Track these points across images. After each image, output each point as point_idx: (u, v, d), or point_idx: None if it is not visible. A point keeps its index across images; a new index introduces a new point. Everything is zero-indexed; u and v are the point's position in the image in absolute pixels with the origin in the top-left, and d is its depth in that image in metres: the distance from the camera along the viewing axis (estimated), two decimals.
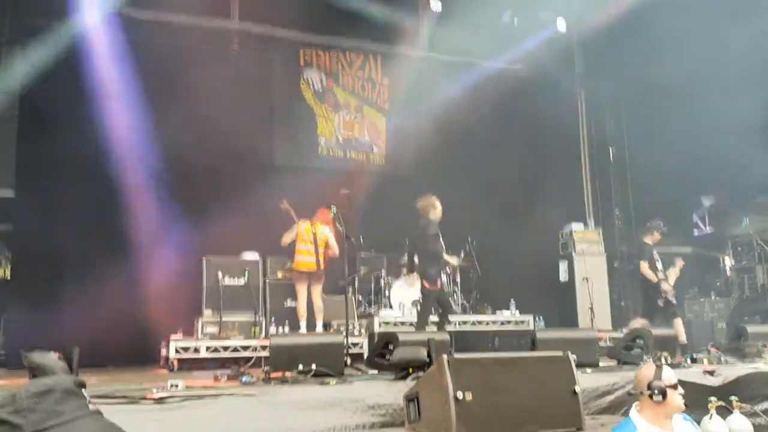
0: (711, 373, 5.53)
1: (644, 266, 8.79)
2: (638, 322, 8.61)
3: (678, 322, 8.68)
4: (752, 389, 5.52)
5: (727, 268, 8.76)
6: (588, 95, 13.93)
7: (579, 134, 13.95)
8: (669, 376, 3.54)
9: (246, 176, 10.21)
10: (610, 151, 13.60)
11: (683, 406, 3.51)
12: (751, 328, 6.96)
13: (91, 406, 1.28)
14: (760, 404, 5.42)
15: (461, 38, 12.12)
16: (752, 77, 10.48)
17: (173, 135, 9.68)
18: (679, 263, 8.84)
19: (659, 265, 8.83)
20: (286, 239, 8.66)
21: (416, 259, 8.47)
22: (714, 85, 10.79)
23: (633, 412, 3.53)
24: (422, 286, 7.98)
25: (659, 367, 3.59)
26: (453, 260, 8.20)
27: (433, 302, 7.96)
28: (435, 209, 8.10)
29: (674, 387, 3.51)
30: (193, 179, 9.85)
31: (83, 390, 1.29)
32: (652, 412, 3.46)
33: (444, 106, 11.66)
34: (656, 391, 3.46)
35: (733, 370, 5.65)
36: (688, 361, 6.04)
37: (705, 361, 5.95)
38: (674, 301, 8.66)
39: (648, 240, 8.96)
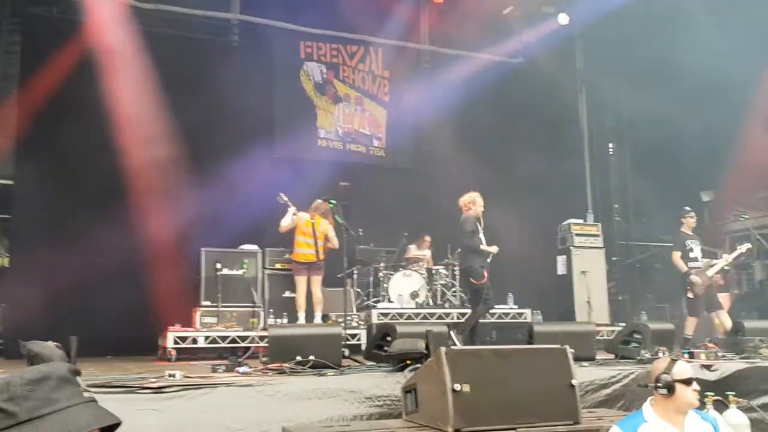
0: (708, 367, 5.54)
1: (675, 256, 8.71)
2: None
3: (691, 320, 8.64)
4: (749, 384, 5.52)
5: (698, 258, 8.64)
6: (589, 90, 13.91)
7: (579, 129, 13.94)
8: (681, 370, 3.46)
9: (246, 168, 10.18)
10: (610, 146, 13.59)
11: (695, 403, 3.41)
12: (748, 324, 6.95)
13: (86, 394, 1.27)
14: (757, 399, 5.43)
15: (462, 31, 12.10)
16: (754, 68, 10.45)
17: (174, 126, 9.66)
18: (723, 259, 8.64)
19: (694, 254, 8.70)
20: (284, 226, 8.72)
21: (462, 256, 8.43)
22: (716, 79, 10.78)
23: (646, 405, 3.49)
24: (470, 282, 8.11)
25: (673, 361, 3.54)
26: (492, 249, 8.18)
27: (482, 297, 8.05)
28: (476, 204, 8.25)
29: (686, 382, 3.41)
30: (192, 171, 9.83)
31: (78, 378, 1.28)
32: (663, 406, 3.42)
33: (444, 99, 11.64)
34: (662, 384, 3.44)
35: (730, 365, 5.66)
36: (686, 356, 6.04)
37: (702, 356, 5.94)
38: (696, 293, 8.48)
39: (684, 229, 8.86)
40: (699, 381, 5.21)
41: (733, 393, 4.82)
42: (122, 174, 9.38)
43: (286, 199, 8.70)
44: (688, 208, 9.04)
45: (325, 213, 8.65)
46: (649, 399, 3.52)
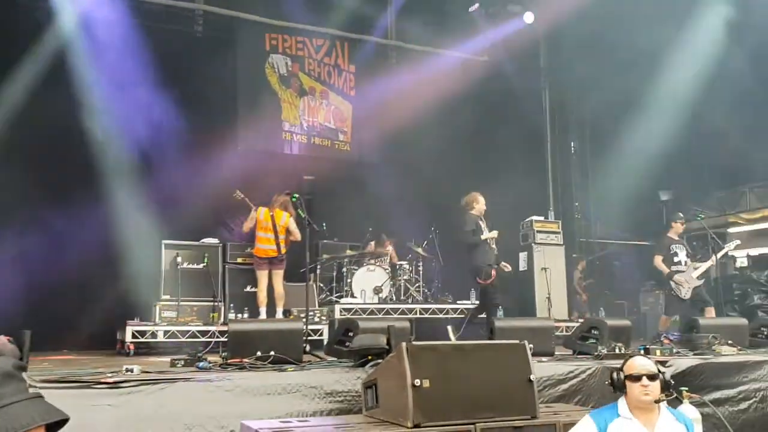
0: (663, 363, 5.65)
1: (657, 259, 8.99)
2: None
3: (665, 318, 8.93)
4: (702, 380, 5.67)
5: (682, 262, 8.89)
6: (552, 89, 14.06)
7: (543, 127, 14.08)
8: (630, 366, 3.51)
9: (209, 160, 10.08)
10: (572, 145, 13.77)
11: (643, 399, 3.42)
12: (702, 321, 7.13)
13: (32, 390, 1.24)
14: (709, 394, 5.58)
15: (428, 27, 12.13)
16: (714, 72, 10.69)
17: (134, 118, 9.51)
18: (710, 261, 8.88)
19: (678, 258, 8.90)
20: (247, 226, 8.75)
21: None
22: (674, 79, 11.03)
23: (621, 399, 3.55)
24: (477, 282, 8.40)
25: (629, 358, 3.59)
26: (492, 234, 8.39)
27: (489, 297, 8.23)
28: (478, 203, 8.50)
29: (634, 379, 3.45)
30: (153, 162, 9.69)
31: (24, 373, 1.25)
32: (629, 402, 3.48)
33: (410, 95, 11.65)
34: (611, 382, 3.51)
35: (684, 361, 5.79)
36: (642, 351, 6.15)
37: (658, 352, 6.07)
38: (681, 295, 8.74)
39: (670, 233, 9.09)
40: (652, 377, 5.36)
41: (687, 388, 4.93)
42: (80, 165, 9.19)
43: (242, 196, 8.62)
44: (680, 214, 9.27)
45: (285, 205, 8.58)
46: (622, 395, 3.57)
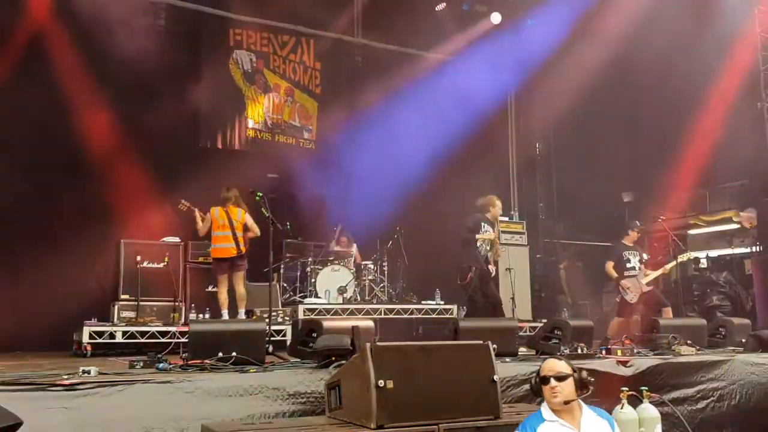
0: (624, 363, 5.76)
1: (608, 265, 9.22)
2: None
3: (617, 320, 9.15)
4: (661, 380, 5.79)
5: (636, 267, 9.11)
6: (517, 89, 14.20)
7: (507, 127, 14.23)
8: (542, 369, 3.59)
9: (169, 158, 9.96)
10: (537, 146, 13.94)
11: (553, 401, 3.51)
12: (662, 321, 7.26)
13: None
14: (668, 394, 5.70)
15: (396, 27, 12.15)
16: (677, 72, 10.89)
17: (93, 112, 9.34)
18: (661, 269, 9.08)
19: (631, 264, 9.09)
20: (203, 229, 8.44)
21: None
22: (639, 81, 11.23)
23: (543, 404, 3.62)
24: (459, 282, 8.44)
25: (544, 360, 3.67)
26: (487, 236, 8.45)
27: (468, 297, 8.41)
28: (494, 207, 8.55)
29: (544, 381, 3.54)
30: (112, 159, 9.53)
31: None
32: (546, 403, 3.57)
33: (376, 93, 11.67)
34: (530, 386, 3.59)
35: (644, 361, 5.90)
36: (603, 352, 6.26)
37: (619, 352, 6.18)
38: (628, 299, 8.94)
39: (625, 240, 9.27)
40: (615, 377, 5.47)
41: (647, 388, 5.03)
42: (37, 157, 9.00)
43: (188, 204, 8.36)
44: (637, 222, 9.45)
45: (237, 201, 8.44)
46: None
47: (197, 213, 8.33)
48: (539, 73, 12.83)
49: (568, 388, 3.52)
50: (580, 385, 3.57)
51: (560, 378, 3.52)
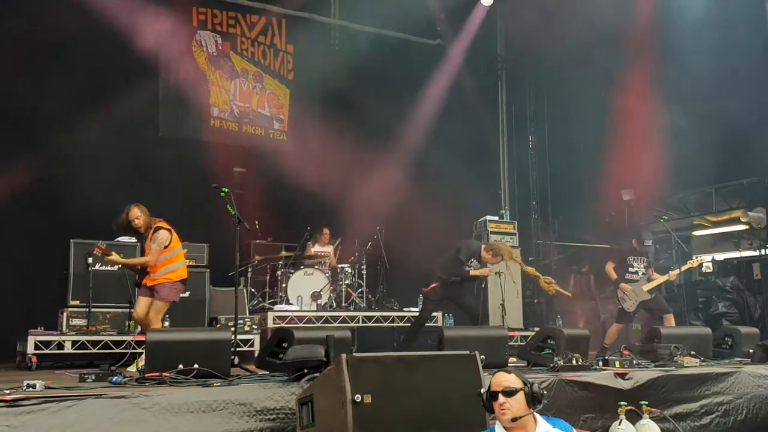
0: (622, 376, 5.81)
1: (608, 265, 9.27)
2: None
3: (615, 327, 9.26)
4: (663, 393, 5.85)
5: (639, 272, 9.18)
6: (509, 77, 14.28)
7: (498, 119, 14.29)
8: (492, 383, 3.63)
9: (126, 148, 9.88)
10: (530, 139, 14.00)
11: (501, 417, 3.55)
12: (664, 330, 7.33)
13: None
14: (671, 409, 5.77)
15: (377, 7, 12.15)
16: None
17: (41, 98, 9.25)
18: (667, 275, 9.15)
19: (634, 269, 9.15)
20: (153, 257, 7.10)
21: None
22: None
23: (496, 420, 3.66)
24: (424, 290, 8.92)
25: (494, 373, 3.71)
26: (483, 271, 8.96)
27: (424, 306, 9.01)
28: (495, 257, 8.73)
29: (492, 397, 3.58)
30: (62, 149, 9.44)
31: None
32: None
33: (355, 80, 11.67)
34: (480, 400, 3.64)
35: (644, 373, 5.96)
36: (600, 363, 6.31)
37: (617, 363, 6.23)
38: (625, 307, 9.02)
39: (634, 243, 9.32)
40: (612, 390, 5.53)
41: (647, 402, 5.09)
42: None
43: (102, 249, 7.25)
44: (650, 234, 9.52)
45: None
46: None
47: (115, 256, 7.26)
48: (533, 58, 12.90)
49: (517, 403, 3.55)
50: (532, 399, 3.60)
51: (508, 393, 3.56)
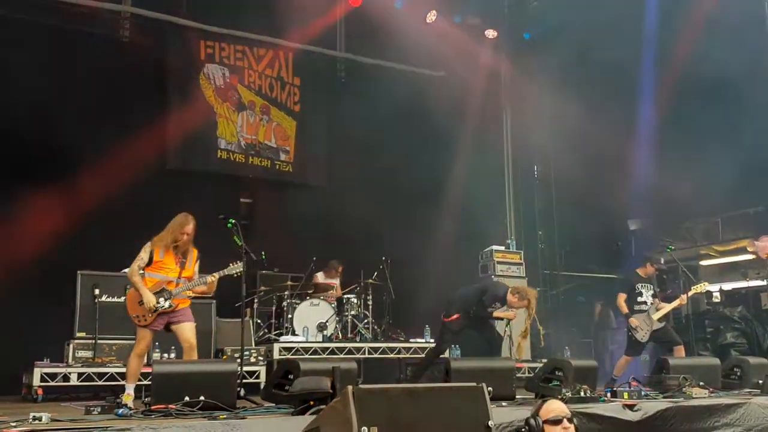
0: (631, 407, 5.77)
1: (619, 299, 9.24)
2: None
3: (625, 359, 9.25)
4: (672, 425, 5.80)
5: (647, 302, 9.14)
6: (514, 109, 14.36)
7: (503, 149, 14.34)
8: (549, 410, 3.70)
9: (133, 180, 9.94)
10: (535, 168, 14.02)
11: None
12: (672, 361, 7.29)
13: None
14: None
15: (381, 39, 12.28)
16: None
17: (50, 129, 9.33)
18: (675, 302, 9.12)
19: (643, 299, 9.12)
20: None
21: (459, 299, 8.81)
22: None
23: None
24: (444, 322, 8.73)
25: (543, 401, 3.74)
26: (508, 314, 8.81)
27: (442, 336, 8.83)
28: (521, 301, 8.40)
29: (555, 422, 3.64)
30: (69, 180, 9.50)
31: None
32: None
33: (361, 112, 11.75)
34: (526, 428, 3.62)
35: (653, 404, 5.91)
36: (608, 394, 6.27)
37: (625, 395, 6.19)
38: (638, 338, 8.97)
39: (640, 271, 9.30)
40: (621, 422, 5.48)
41: None
42: None
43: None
44: (661, 260, 9.51)
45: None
46: None
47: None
48: (538, 89, 12.99)
49: (573, 430, 3.71)
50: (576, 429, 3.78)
51: (570, 420, 3.70)
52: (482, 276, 11.40)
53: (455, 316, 8.56)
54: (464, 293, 8.83)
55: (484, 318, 8.67)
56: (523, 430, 3.72)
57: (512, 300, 8.41)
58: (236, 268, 6.67)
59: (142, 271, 6.45)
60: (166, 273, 6.46)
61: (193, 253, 6.71)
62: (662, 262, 9.39)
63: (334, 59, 12.72)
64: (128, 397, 6.01)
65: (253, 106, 12.04)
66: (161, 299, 6.31)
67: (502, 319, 8.96)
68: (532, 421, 3.69)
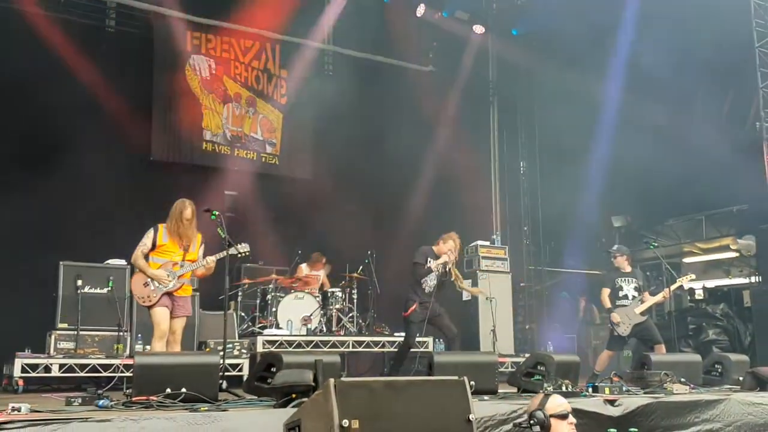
0: (612, 402, 5.79)
1: (603, 293, 9.23)
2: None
3: (606, 353, 9.20)
4: (652, 420, 5.83)
5: (629, 296, 9.15)
6: (500, 104, 14.39)
7: (490, 144, 14.37)
8: (555, 405, 3.71)
9: (117, 171, 9.89)
10: (521, 164, 14.07)
11: None
12: (654, 357, 7.32)
13: None
14: None
15: (370, 33, 12.27)
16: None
17: (33, 119, 9.26)
18: (659, 296, 9.14)
19: (623, 293, 9.14)
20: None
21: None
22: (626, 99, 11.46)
23: None
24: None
25: (546, 396, 3.74)
26: (439, 260, 8.50)
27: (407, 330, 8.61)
28: (445, 244, 8.52)
29: (561, 417, 3.66)
30: (52, 171, 9.43)
31: None
32: None
33: (348, 105, 11.74)
34: (535, 421, 3.62)
35: (634, 399, 5.94)
36: (590, 389, 6.29)
37: (606, 390, 6.21)
38: (619, 333, 8.98)
39: (616, 266, 9.31)
40: (601, 417, 5.51)
41: (636, 429, 5.07)
42: None
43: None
44: (621, 247, 9.51)
45: None
46: None
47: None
48: (525, 84, 13.04)
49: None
50: None
51: (574, 415, 3.74)
52: (468, 271, 11.40)
53: (412, 308, 8.51)
54: (411, 280, 8.74)
55: (438, 304, 8.58)
56: (529, 423, 3.71)
57: (439, 248, 8.57)
58: (242, 248, 6.80)
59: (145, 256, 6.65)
60: (170, 257, 6.64)
61: (197, 238, 6.86)
62: (625, 249, 9.37)
63: (321, 52, 12.68)
64: None
65: (239, 98, 11.99)
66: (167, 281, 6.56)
67: (440, 268, 8.81)
68: (539, 414, 3.69)
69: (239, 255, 6.86)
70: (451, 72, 13.21)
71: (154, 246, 6.65)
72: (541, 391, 3.97)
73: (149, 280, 6.53)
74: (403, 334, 10.05)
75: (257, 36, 12.11)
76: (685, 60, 10.81)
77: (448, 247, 8.56)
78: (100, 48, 10.26)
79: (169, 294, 6.59)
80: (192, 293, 8.50)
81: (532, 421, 3.68)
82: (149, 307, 6.59)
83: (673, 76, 10.92)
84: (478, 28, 13.29)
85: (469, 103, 13.57)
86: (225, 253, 6.75)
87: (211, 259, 6.74)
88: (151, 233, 6.69)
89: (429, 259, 8.55)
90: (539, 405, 3.70)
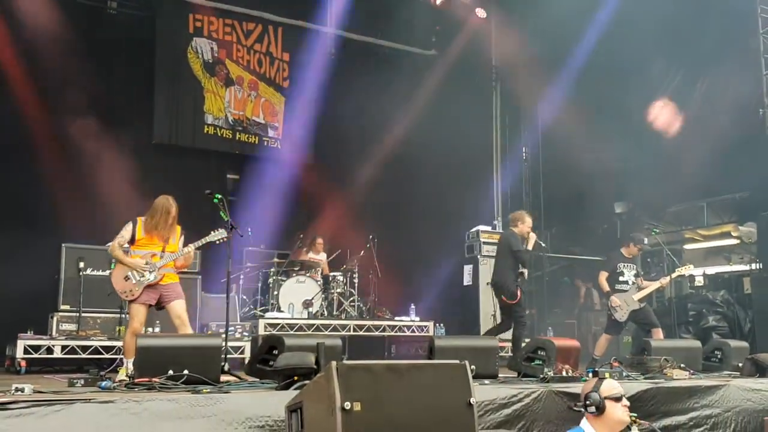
0: None
1: (601, 276, 9.25)
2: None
3: (605, 337, 9.22)
4: (652, 405, 5.86)
5: (628, 282, 9.16)
6: (503, 89, 14.33)
7: (492, 129, 14.33)
8: (610, 387, 3.81)
9: (119, 154, 9.88)
10: (523, 150, 14.03)
11: (626, 420, 3.77)
12: (654, 343, 7.34)
13: None
14: (659, 421, 5.77)
15: (372, 16, 12.21)
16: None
17: (36, 101, 9.24)
18: (656, 283, 9.15)
19: (624, 278, 9.16)
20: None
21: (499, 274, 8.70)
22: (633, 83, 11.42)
23: (584, 422, 3.82)
24: (502, 300, 8.57)
25: (600, 379, 3.79)
26: (532, 242, 8.68)
27: (516, 316, 8.53)
28: (524, 223, 8.66)
29: (616, 399, 3.75)
30: (55, 155, 9.44)
31: None
32: (596, 424, 3.76)
33: (350, 89, 11.70)
34: (590, 403, 3.67)
35: (633, 385, 5.96)
36: (589, 374, 6.31)
37: (607, 375, 6.23)
38: (617, 318, 8.99)
39: (623, 251, 9.30)
40: None
41: (636, 414, 5.09)
42: None
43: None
44: (641, 237, 9.50)
45: None
46: (584, 419, 3.86)
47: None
48: (528, 70, 12.97)
49: None
50: None
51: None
52: (469, 256, 11.40)
53: (519, 295, 8.50)
54: (502, 268, 8.68)
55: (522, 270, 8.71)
56: (585, 404, 3.80)
57: (521, 228, 8.68)
58: (217, 235, 6.73)
59: (126, 246, 6.53)
60: (150, 249, 6.51)
61: (177, 230, 6.74)
62: (645, 242, 9.37)
63: (324, 35, 12.63)
64: (124, 370, 6.04)
65: (241, 82, 11.95)
66: (146, 272, 6.37)
67: (535, 247, 8.93)
68: (595, 395, 3.76)
69: (217, 242, 6.78)
70: (453, 56, 13.14)
71: (133, 240, 6.53)
72: (596, 375, 4.01)
73: (129, 273, 6.40)
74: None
75: (260, 19, 12.05)
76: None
77: (528, 225, 8.71)
78: (101, 30, 10.20)
79: (152, 286, 6.44)
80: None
81: (587, 402, 3.73)
82: (131, 302, 6.45)
83: None
84: (481, 12, 13.21)
85: (472, 87, 13.51)
86: (203, 241, 6.69)
87: (187, 250, 6.64)
88: (129, 227, 6.55)
89: (523, 241, 8.66)
90: (594, 387, 3.78)
